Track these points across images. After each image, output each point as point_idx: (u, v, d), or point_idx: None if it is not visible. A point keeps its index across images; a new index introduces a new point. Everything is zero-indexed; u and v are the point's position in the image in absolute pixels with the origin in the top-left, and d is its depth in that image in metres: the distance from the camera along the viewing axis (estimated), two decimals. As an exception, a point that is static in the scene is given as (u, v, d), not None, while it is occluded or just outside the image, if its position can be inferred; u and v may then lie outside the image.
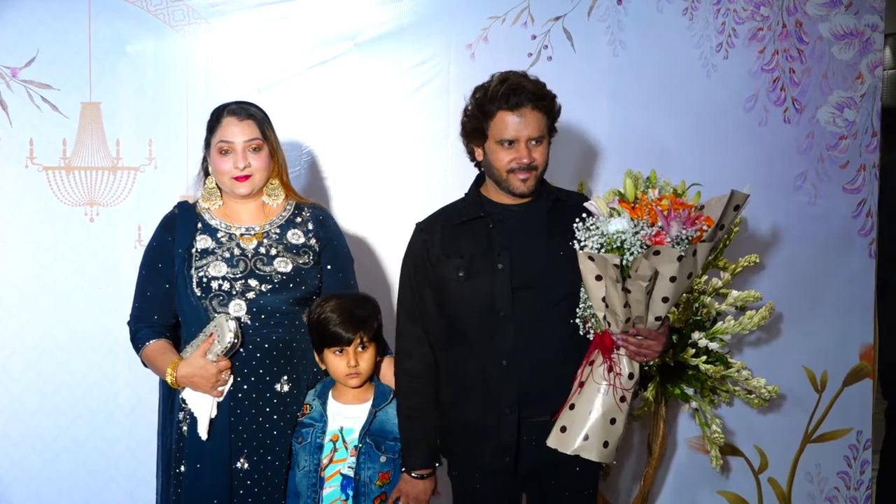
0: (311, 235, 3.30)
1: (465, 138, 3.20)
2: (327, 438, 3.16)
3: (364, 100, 4.02)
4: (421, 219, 3.28)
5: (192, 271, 3.20)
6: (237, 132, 3.21)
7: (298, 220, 3.32)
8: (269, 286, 3.20)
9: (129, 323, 3.28)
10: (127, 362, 3.86)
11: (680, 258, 2.85)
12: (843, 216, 4.26)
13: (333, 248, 3.34)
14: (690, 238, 2.89)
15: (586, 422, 3.02)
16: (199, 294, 3.18)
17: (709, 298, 3.85)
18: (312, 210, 3.37)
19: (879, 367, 4.41)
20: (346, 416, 3.18)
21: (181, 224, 3.28)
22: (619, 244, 2.90)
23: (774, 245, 4.25)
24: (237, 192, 3.25)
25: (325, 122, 4.01)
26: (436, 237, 3.20)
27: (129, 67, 3.92)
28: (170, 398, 3.27)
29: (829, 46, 4.18)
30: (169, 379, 3.13)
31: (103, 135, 3.92)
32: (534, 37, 4.05)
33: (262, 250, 3.24)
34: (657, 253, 2.86)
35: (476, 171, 3.26)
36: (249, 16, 3.97)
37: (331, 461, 3.15)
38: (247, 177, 3.22)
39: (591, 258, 2.90)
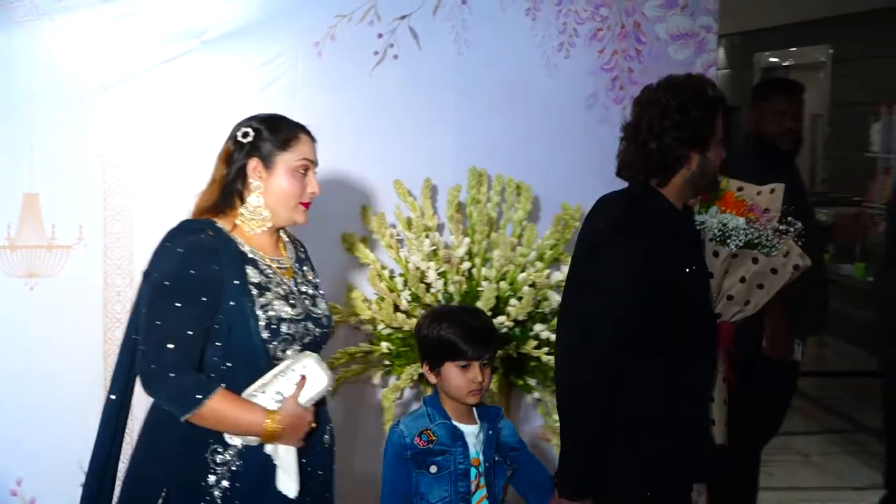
0: (315, 272, 3.01)
1: (693, 147, 2.93)
2: (470, 462, 2.99)
3: (212, 97, 4.00)
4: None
5: (258, 310, 2.70)
6: (314, 154, 2.87)
7: (302, 254, 3.01)
8: (321, 330, 2.86)
9: (160, 371, 2.63)
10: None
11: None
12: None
13: None
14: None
15: (720, 410, 3.24)
16: (266, 337, 2.71)
17: (551, 292, 3.96)
18: (298, 241, 3.06)
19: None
20: (475, 435, 3.03)
21: (224, 251, 2.73)
22: (756, 238, 3.19)
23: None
24: (296, 220, 2.86)
25: (172, 119, 3.99)
26: (659, 245, 2.92)
27: (-31, 64, 3.85)
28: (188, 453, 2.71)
29: (665, 47, 4.29)
30: (267, 431, 2.64)
31: (-57, 133, 3.84)
32: (380, 35, 4.09)
33: (304, 289, 2.88)
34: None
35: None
36: (95, 12, 3.92)
37: (478, 486, 2.99)
38: (309, 204, 2.87)
39: (734, 255, 3.17)
